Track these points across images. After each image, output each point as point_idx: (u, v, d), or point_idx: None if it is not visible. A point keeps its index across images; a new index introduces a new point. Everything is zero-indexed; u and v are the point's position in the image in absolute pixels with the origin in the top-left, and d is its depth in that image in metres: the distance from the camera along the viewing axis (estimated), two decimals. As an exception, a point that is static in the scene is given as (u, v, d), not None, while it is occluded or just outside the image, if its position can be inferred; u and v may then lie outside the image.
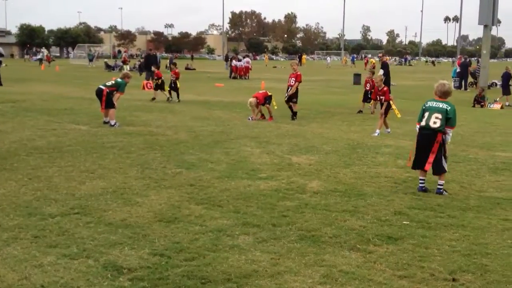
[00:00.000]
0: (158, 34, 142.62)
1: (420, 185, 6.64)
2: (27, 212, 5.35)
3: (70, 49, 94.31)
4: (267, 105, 13.62)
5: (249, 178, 7.11)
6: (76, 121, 12.37)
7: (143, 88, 24.90)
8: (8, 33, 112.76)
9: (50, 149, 8.77)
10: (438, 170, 6.54)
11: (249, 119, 13.38)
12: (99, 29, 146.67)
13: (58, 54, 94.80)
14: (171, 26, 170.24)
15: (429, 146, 6.46)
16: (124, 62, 44.80)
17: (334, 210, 5.72)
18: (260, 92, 14.00)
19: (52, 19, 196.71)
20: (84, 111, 14.46)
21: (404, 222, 5.34)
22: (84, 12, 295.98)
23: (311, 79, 18.67)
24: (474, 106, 19.32)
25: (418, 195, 6.43)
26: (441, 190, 6.49)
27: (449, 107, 6.50)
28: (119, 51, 73.31)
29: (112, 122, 11.63)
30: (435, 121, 6.45)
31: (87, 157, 8.17)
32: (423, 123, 6.54)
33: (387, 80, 15.43)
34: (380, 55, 23.71)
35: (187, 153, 8.69)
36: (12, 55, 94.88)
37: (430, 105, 6.62)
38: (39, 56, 59.71)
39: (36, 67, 48.57)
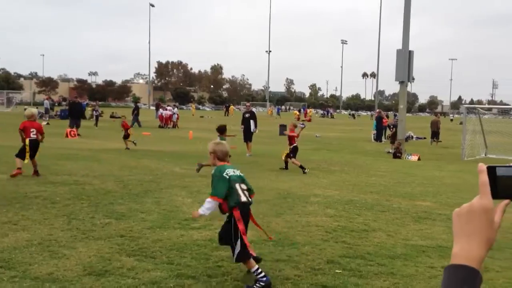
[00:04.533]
0: (82, 82, 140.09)
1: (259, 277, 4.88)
2: None
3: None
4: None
5: (182, 228, 7.02)
6: (-5, 170, 11.77)
7: (67, 136, 24.31)
8: None
9: (-32, 199, 8.28)
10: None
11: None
12: (19, 76, 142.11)
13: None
14: (95, 74, 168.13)
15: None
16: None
17: (269, 259, 5.74)
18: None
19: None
20: (3, 159, 13.79)
21: (337, 271, 5.44)
22: (3, 58, 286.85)
23: (238, 129, 19.02)
24: (394, 157, 20.26)
25: (349, 243, 6.59)
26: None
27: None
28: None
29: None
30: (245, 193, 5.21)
31: (9, 208, 7.77)
32: (243, 198, 5.10)
33: None
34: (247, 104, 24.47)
35: (116, 203, 8.47)
36: None
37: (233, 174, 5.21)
38: None
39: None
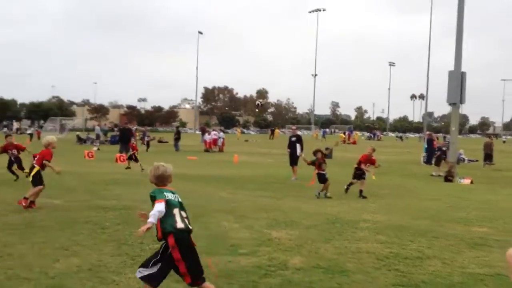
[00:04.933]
0: (131, 108, 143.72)
1: None
2: (-2, 293, 5.08)
3: (42, 122, 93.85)
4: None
5: (229, 254, 6.95)
6: (48, 194, 12.06)
7: (116, 161, 24.80)
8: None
9: (23, 224, 8.48)
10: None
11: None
12: (72, 103, 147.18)
13: (28, 127, 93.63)
14: (144, 100, 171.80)
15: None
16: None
17: (319, 287, 5.58)
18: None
19: (26, 92, 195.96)
20: (56, 184, 14.15)
21: (391, 300, 5.23)
22: (58, 86, 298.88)
23: (284, 152, 19.00)
24: (445, 181, 19.64)
25: (402, 271, 6.35)
26: None
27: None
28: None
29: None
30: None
31: (61, 233, 7.90)
32: (180, 224, 4.72)
33: None
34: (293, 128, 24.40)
35: (164, 228, 8.48)
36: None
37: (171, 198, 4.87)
38: (29, 131, 58.30)
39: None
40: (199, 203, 11.57)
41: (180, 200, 4.93)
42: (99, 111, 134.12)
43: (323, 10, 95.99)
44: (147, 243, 7.38)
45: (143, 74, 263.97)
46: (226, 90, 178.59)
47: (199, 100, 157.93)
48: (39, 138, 51.42)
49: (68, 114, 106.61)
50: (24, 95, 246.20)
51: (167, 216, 4.66)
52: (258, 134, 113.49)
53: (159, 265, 4.62)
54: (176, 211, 4.73)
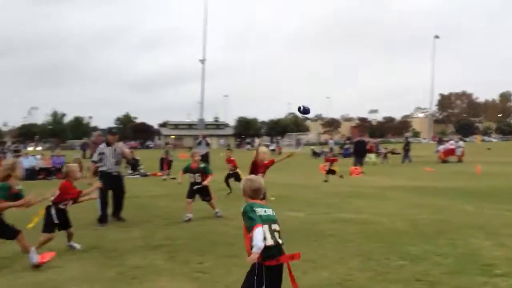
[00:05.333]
0: (362, 120, 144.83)
1: None
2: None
3: (279, 137, 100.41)
4: None
5: (483, 274, 6.38)
6: (291, 208, 12.75)
7: (351, 174, 25.10)
8: (226, 125, 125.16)
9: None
10: None
11: None
12: (306, 118, 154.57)
13: (268, 143, 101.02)
14: (375, 111, 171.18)
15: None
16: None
17: None
18: None
19: (266, 112, 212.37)
20: (296, 197, 14.90)
21: None
22: (293, 103, 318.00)
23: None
24: None
25: None
26: None
27: None
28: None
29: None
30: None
31: (307, 245, 8.23)
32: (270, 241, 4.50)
33: None
34: None
35: (409, 244, 8.22)
36: (228, 145, 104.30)
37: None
38: (272, 147, 61.80)
39: (248, 155, 52.42)
40: (442, 217, 10.99)
41: (272, 213, 4.70)
42: (331, 124, 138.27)
43: None
44: (393, 259, 7.24)
45: (374, 85, 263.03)
46: (464, 96, 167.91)
47: (434, 108, 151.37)
48: (279, 153, 55.02)
49: (303, 129, 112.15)
50: (263, 114, 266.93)
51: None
52: (500, 141, 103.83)
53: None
54: (266, 227, 4.50)
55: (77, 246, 8.14)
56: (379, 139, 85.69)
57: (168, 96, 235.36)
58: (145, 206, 13.26)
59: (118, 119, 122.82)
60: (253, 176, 5.18)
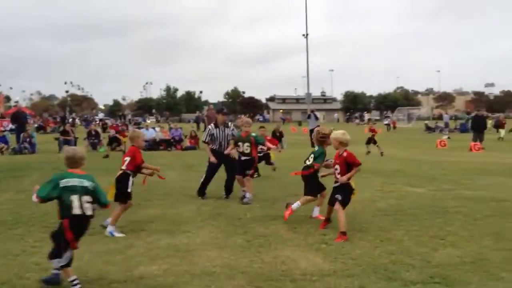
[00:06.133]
0: (478, 94, 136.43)
1: None
2: (387, 276, 5.36)
3: (389, 112, 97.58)
4: None
5: None
6: (409, 183, 12.36)
7: (471, 149, 23.88)
8: (334, 99, 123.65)
9: (393, 211, 8.86)
10: None
11: None
12: (417, 92, 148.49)
13: (378, 118, 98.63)
14: (491, 85, 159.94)
15: None
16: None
17: None
18: None
19: (373, 85, 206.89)
20: (414, 173, 14.41)
21: None
22: (401, 77, 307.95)
23: None
24: None
25: None
26: None
27: None
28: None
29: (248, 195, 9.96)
30: None
31: (432, 222, 7.94)
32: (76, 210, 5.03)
33: None
34: None
35: (545, 225, 7.66)
36: (338, 120, 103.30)
37: None
38: (386, 122, 60.63)
39: (359, 130, 51.48)
40: None
41: (86, 185, 5.04)
42: (444, 99, 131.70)
43: None
44: (529, 240, 6.77)
45: (489, 57, 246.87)
46: None
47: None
48: (394, 127, 53.27)
49: (414, 103, 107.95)
50: (372, 88, 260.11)
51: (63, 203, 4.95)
52: None
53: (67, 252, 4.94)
54: (74, 197, 4.93)
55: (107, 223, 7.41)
56: (497, 114, 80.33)
57: (274, 71, 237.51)
58: (264, 178, 13.50)
59: (227, 94, 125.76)
60: (72, 147, 5.61)
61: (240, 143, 10.25)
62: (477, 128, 26.81)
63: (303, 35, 59.17)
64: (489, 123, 39.66)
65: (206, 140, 10.63)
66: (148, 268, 5.67)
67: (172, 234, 7.24)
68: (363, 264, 5.77)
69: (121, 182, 7.35)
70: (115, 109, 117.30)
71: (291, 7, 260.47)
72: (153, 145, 24.91)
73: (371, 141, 21.66)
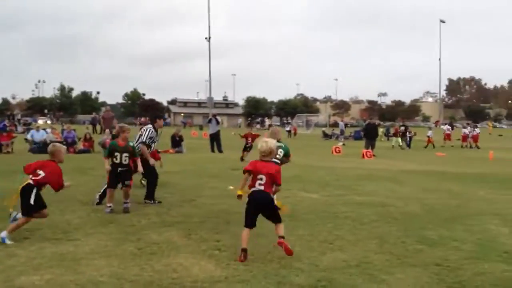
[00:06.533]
0: (372, 103, 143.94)
1: None
2: (277, 280, 5.45)
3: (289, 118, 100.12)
4: None
5: (503, 261, 6.33)
6: (305, 189, 12.71)
7: (363, 156, 25.03)
8: (236, 104, 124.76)
9: (287, 217, 9.04)
10: None
11: None
12: (316, 100, 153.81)
13: (278, 123, 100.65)
14: (384, 94, 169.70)
15: None
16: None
17: None
18: None
19: (275, 91, 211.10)
20: (310, 179, 14.84)
21: None
22: (301, 84, 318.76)
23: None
24: None
25: None
26: None
27: None
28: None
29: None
30: None
31: (323, 227, 8.20)
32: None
33: None
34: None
35: (425, 228, 8.17)
36: (239, 125, 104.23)
37: None
38: (287, 128, 60.02)
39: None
40: (457, 203, 10.93)
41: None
42: (341, 107, 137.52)
43: None
44: (410, 243, 7.20)
45: (383, 68, 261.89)
46: (472, 81, 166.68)
47: (443, 93, 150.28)
48: (295, 134, 54.77)
49: (312, 111, 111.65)
50: (272, 94, 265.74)
51: None
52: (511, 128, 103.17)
53: None
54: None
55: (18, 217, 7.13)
56: (389, 123, 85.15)
57: (177, 74, 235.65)
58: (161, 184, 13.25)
59: (126, 95, 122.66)
60: None
61: (117, 154, 9.35)
62: (369, 135, 28.20)
63: (206, 38, 59.30)
64: (381, 131, 41.91)
65: (147, 143, 10.17)
66: (29, 278, 5.35)
67: (58, 242, 6.89)
68: (255, 269, 5.83)
69: (25, 194, 6.97)
70: (3, 108, 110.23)
71: (195, 10, 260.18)
72: (44, 147, 23.63)
73: None
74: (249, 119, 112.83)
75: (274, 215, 6.46)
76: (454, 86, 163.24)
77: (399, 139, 34.45)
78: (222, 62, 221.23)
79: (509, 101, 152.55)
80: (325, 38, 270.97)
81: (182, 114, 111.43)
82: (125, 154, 9.36)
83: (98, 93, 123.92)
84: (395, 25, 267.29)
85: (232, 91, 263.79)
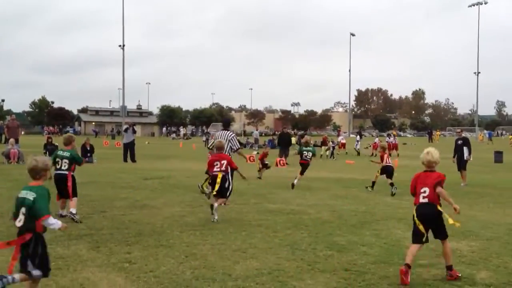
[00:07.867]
0: (286, 112, 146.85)
1: None
2: (189, 291, 5.37)
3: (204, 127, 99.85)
4: None
5: (407, 264, 6.62)
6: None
7: (276, 165, 25.37)
8: (150, 113, 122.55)
9: (201, 226, 8.98)
10: None
11: None
12: (231, 109, 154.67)
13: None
14: (297, 104, 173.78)
15: None
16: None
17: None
18: None
19: (190, 100, 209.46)
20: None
21: None
22: (217, 94, 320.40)
23: (448, 156, 17.78)
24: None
25: None
26: None
27: None
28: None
29: (74, 211, 9.32)
30: None
31: (237, 235, 8.21)
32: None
33: None
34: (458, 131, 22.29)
35: (334, 234, 8.41)
36: (153, 134, 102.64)
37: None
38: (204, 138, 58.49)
39: (174, 145, 51.77)
40: (365, 209, 11.35)
41: (27, 196, 4.93)
42: (256, 116, 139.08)
43: (485, 3, 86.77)
44: (320, 249, 7.36)
45: (295, 78, 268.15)
46: (380, 92, 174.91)
47: (352, 103, 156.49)
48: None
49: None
50: (188, 103, 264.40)
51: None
52: (415, 137, 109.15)
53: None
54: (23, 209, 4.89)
55: None
56: (301, 132, 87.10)
57: (88, 81, 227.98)
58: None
59: (34, 103, 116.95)
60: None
61: (58, 160, 9.46)
62: (283, 144, 28.71)
63: (120, 46, 57.99)
64: (293, 139, 42.80)
65: None
66: None
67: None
68: (166, 281, 5.71)
69: None
70: None
71: (109, 17, 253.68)
72: None
73: None
74: (164, 128, 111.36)
75: None
76: (362, 97, 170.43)
77: (323, 148, 35.43)
78: (137, 71, 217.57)
79: (413, 112, 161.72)
80: (240, 48, 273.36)
81: (94, 123, 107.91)
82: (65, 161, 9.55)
83: (2, 101, 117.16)
84: (308, 37, 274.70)
85: (146, 99, 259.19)
